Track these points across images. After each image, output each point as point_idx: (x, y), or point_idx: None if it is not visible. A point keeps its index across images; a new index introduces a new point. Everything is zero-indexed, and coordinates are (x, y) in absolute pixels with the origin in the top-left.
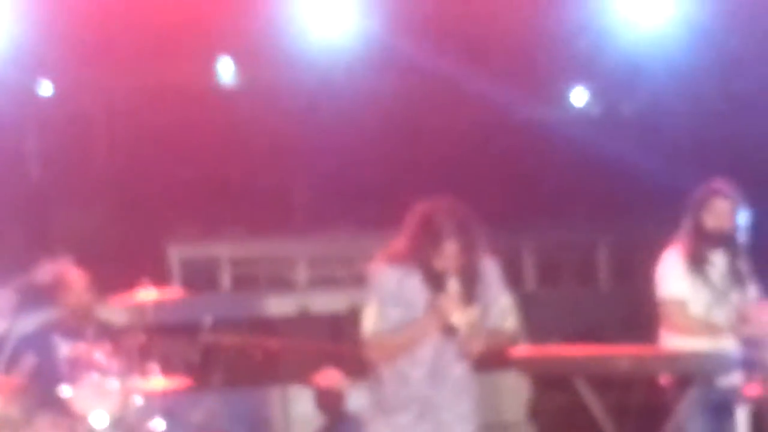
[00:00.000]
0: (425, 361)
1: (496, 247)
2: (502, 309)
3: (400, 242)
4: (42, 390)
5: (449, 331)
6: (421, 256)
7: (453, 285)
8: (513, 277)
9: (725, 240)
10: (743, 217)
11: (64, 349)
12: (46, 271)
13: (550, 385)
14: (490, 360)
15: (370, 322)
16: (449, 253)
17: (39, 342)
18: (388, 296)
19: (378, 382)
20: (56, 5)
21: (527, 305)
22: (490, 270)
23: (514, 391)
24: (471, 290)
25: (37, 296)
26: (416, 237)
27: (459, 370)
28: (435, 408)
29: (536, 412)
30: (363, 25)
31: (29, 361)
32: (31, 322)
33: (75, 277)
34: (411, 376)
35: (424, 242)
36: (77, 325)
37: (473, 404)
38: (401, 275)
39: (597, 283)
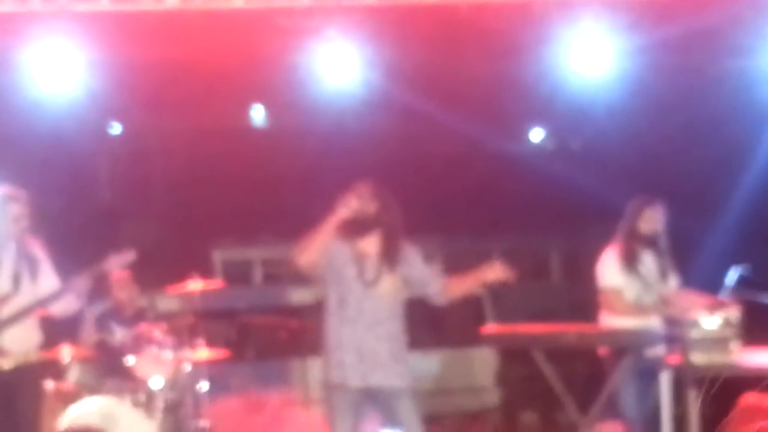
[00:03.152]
0: (354, 309)
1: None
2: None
3: None
4: (106, 361)
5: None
6: None
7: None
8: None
9: (654, 241)
10: (663, 225)
11: (118, 332)
12: (115, 261)
13: (514, 357)
14: None
15: None
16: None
17: (100, 324)
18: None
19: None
20: (124, 61)
21: (495, 296)
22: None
23: (484, 362)
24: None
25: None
26: None
27: (385, 317)
28: (371, 351)
29: (502, 379)
30: (366, 75)
31: (92, 338)
32: (93, 308)
33: (119, 277)
34: (346, 321)
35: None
36: (123, 312)
37: (401, 348)
38: None
39: (550, 278)
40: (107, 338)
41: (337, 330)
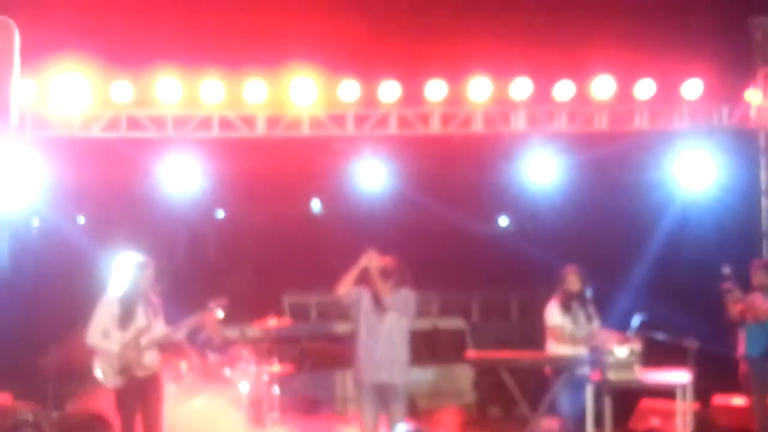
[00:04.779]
0: (363, 324)
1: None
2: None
3: None
4: (205, 373)
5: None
6: None
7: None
8: (465, 314)
9: (580, 295)
10: (588, 284)
11: (211, 356)
12: (214, 304)
13: (486, 371)
14: None
15: None
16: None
17: (199, 350)
18: None
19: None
20: (227, 169)
21: (474, 330)
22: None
23: (465, 374)
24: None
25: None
26: None
27: (386, 326)
28: (380, 357)
29: (477, 385)
30: (390, 181)
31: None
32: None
33: (209, 317)
34: (362, 337)
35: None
36: (213, 342)
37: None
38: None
39: (511, 318)
40: (204, 358)
41: (360, 345)
